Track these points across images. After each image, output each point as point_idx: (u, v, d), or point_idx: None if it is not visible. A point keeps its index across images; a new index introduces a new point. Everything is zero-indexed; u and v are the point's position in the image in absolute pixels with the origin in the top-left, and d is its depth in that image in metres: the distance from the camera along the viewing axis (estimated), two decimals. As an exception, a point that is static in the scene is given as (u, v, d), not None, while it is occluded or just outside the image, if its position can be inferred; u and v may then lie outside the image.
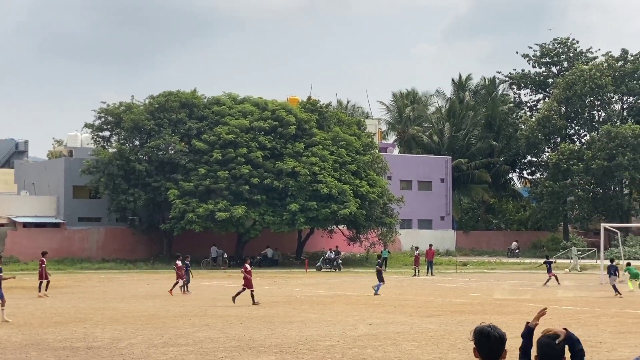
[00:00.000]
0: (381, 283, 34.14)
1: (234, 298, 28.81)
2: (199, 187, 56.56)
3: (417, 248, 54.30)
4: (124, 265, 56.65)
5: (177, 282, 34.83)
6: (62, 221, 61.18)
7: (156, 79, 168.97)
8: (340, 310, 26.45)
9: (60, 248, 58.63)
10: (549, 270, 40.27)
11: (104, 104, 61.72)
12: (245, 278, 29.33)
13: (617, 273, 33.88)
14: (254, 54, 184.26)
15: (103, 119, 61.26)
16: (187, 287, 35.34)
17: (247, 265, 30.15)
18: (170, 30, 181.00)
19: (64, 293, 33.10)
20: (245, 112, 60.24)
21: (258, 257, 60.24)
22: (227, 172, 56.75)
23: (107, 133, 62.06)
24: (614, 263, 35.33)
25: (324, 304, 28.89)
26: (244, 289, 29.20)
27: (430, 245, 54.19)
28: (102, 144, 61.80)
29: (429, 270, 50.16)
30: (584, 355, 5.17)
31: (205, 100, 62.02)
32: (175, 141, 58.44)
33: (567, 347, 5.28)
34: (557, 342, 5.06)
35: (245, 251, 61.30)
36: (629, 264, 39.56)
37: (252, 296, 28.83)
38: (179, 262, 35.85)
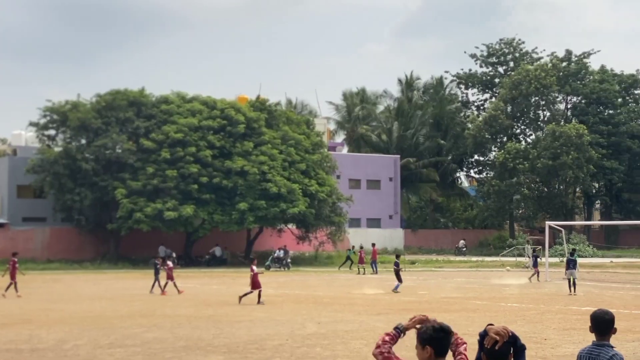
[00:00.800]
0: (399, 283, 34.69)
1: (258, 301, 28.54)
2: (147, 186, 56.14)
3: (361, 247, 54.65)
4: (69, 265, 55.89)
5: (173, 282, 34.27)
6: (6, 221, 60.19)
7: (103, 77, 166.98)
8: (289, 309, 26.46)
9: (4, 249, 57.30)
10: (535, 265, 41.50)
11: (49, 102, 60.91)
12: (252, 278, 29.09)
13: (576, 266, 34.03)
14: (203, 52, 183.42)
15: (48, 118, 60.37)
16: (154, 287, 34.86)
17: (254, 267, 29.88)
18: (117, 28, 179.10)
19: (9, 294, 32.57)
20: (194, 110, 59.92)
21: (206, 257, 60.07)
22: (175, 171, 56.43)
23: (52, 132, 61.20)
24: (574, 257, 35.56)
25: (272, 303, 28.83)
26: (254, 291, 28.99)
27: (373, 244, 54.67)
28: (47, 142, 60.92)
29: (374, 269, 50.77)
30: (525, 349, 5.22)
31: (154, 98, 61.51)
32: (122, 140, 57.92)
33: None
34: (496, 347, 5.08)
35: (194, 250, 61.19)
36: (572, 254, 40.76)
37: (245, 294, 28.77)
38: (170, 263, 35.49)
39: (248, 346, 17.77)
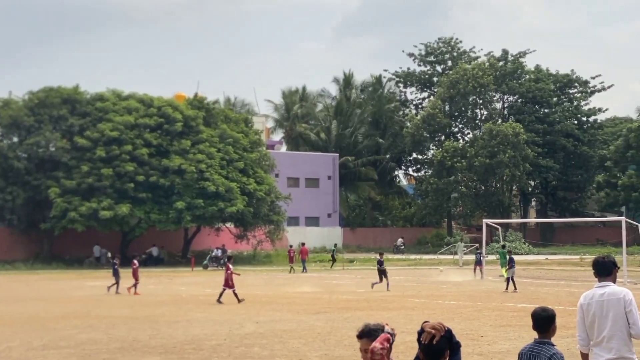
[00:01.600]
0: (377, 282, 34.08)
1: (219, 300, 28.56)
2: (81, 185, 55.29)
3: (291, 246, 54.79)
4: (1, 266, 54.60)
5: (135, 283, 33.72)
6: (-64, 221, 58.64)
7: (36, 74, 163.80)
8: (227, 309, 26.22)
9: None
10: (478, 263, 41.97)
11: (-21, 100, 59.48)
12: (228, 277, 29.13)
13: (513, 265, 34.14)
14: (139, 49, 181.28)
15: (-22, 115, 59.01)
16: (117, 287, 34.09)
17: (230, 265, 30.11)
18: (51, 24, 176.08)
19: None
20: (130, 108, 59.17)
21: (143, 256, 59.33)
22: (111, 169, 55.69)
23: (-18, 130, 59.85)
24: (512, 255, 35.57)
25: (210, 303, 28.60)
26: (224, 289, 28.96)
27: (303, 243, 54.96)
28: (-23, 141, 59.55)
29: (304, 268, 50.93)
30: (460, 346, 5.16)
31: (88, 96, 60.53)
32: (56, 138, 56.97)
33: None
34: (434, 342, 5.04)
35: (130, 250, 60.39)
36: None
37: (221, 294, 28.78)
38: (135, 262, 34.82)
39: (185, 346, 17.52)
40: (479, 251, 44.91)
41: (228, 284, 29.06)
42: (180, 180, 56.79)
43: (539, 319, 6.78)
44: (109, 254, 58.06)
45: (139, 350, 17.16)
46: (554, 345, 6.67)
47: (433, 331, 4.99)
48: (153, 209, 57.02)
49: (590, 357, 7.95)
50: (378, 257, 36.29)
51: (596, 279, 8.03)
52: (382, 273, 34.44)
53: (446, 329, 5.05)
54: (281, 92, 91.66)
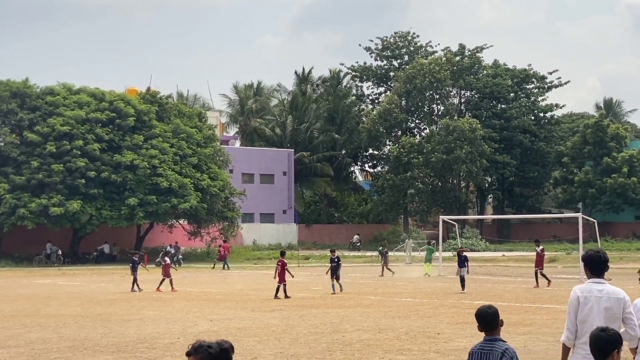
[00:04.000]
0: (333, 282, 31.69)
1: (286, 296, 28.52)
2: (31, 180, 54.27)
3: (221, 245, 54.51)
4: (-54, 264, 53.46)
5: (163, 279, 33.40)
6: None
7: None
8: (181, 307, 25.85)
9: None
10: (385, 262, 42.73)
11: None
12: (282, 272, 29.00)
13: (467, 264, 32.95)
14: (91, 42, 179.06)
15: None
16: (137, 285, 33.47)
17: (284, 260, 29.88)
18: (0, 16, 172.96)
19: None
20: (81, 102, 58.27)
21: (94, 253, 58.56)
22: (61, 165, 54.76)
23: None
24: (464, 255, 33.90)
25: (163, 301, 28.24)
26: (281, 285, 28.90)
27: (225, 240, 55.48)
28: None
29: (225, 265, 50.87)
30: None
31: (39, 90, 59.41)
32: (5, 132, 56.01)
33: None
34: None
35: (81, 247, 59.66)
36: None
37: (285, 290, 28.80)
38: (167, 259, 34.47)
39: (138, 345, 17.24)
40: (383, 248, 44.90)
41: (283, 279, 28.94)
42: (133, 176, 56.11)
43: (486, 316, 6.70)
44: (60, 252, 57.14)
45: (90, 349, 16.83)
46: (504, 341, 6.63)
47: None
48: (105, 205, 56.26)
49: (572, 352, 7.71)
50: (330, 254, 34.36)
51: (585, 275, 7.92)
52: (333, 271, 31.82)
53: None
54: (236, 87, 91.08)
